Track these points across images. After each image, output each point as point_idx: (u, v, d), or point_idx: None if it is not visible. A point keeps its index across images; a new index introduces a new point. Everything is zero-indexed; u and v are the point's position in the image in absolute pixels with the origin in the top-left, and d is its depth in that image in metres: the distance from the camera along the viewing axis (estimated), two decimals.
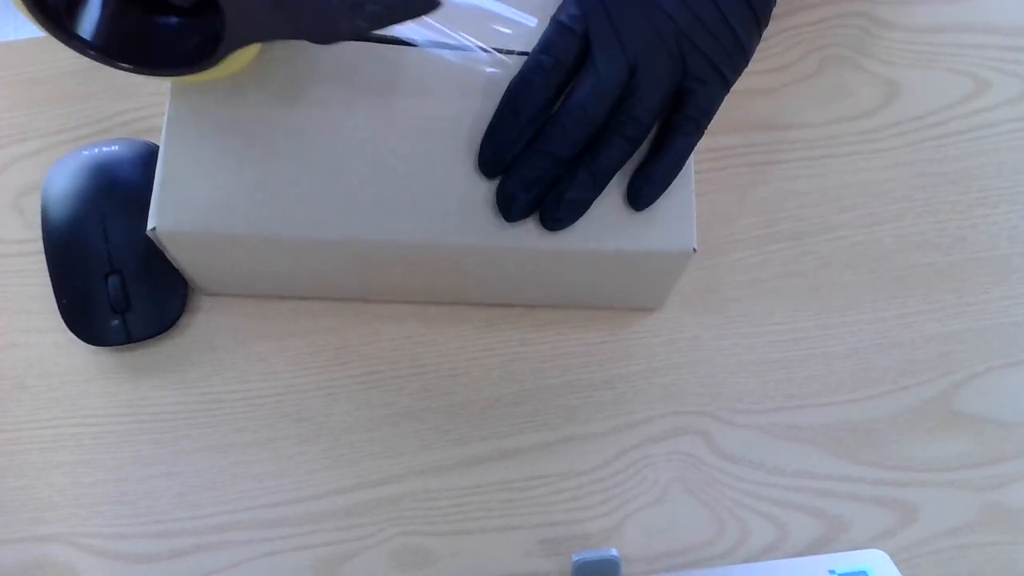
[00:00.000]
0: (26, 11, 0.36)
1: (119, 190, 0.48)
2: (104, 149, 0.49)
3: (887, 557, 0.43)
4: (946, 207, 0.51)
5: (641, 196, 0.41)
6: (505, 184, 0.41)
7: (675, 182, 0.42)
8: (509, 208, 0.41)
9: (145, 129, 0.52)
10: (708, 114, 0.41)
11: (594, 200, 0.41)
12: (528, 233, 0.41)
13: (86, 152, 0.49)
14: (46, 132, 0.52)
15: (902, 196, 0.51)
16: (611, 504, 0.46)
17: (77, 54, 0.38)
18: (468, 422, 0.47)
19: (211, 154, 0.42)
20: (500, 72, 0.42)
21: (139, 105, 0.52)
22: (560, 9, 0.41)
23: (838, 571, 0.42)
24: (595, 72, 0.39)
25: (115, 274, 0.47)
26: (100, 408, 0.47)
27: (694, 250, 0.42)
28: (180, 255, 0.44)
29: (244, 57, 0.39)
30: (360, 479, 0.46)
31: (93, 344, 0.47)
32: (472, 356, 0.48)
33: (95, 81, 0.52)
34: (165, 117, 0.42)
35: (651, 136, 0.42)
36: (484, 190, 0.41)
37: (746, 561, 0.45)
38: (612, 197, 0.42)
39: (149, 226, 0.41)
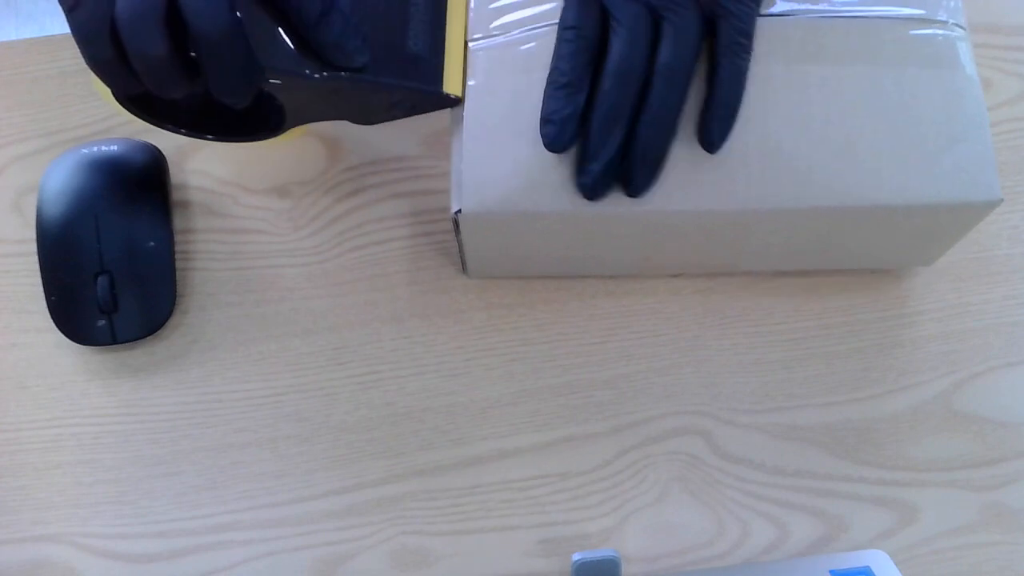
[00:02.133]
0: (126, 109, 0.42)
1: (115, 190, 0.48)
2: (104, 148, 0.49)
3: (887, 557, 0.43)
4: None
5: (710, 134, 0.41)
6: (579, 165, 0.41)
7: (970, 129, 0.42)
8: (586, 186, 0.41)
9: (145, 130, 0.51)
10: (747, 34, 0.41)
11: (666, 152, 0.41)
12: (839, 193, 0.41)
13: (85, 150, 0.49)
14: (46, 132, 0.52)
15: None
16: (611, 504, 0.46)
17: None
18: (468, 422, 0.47)
19: (507, 134, 0.42)
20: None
21: None
22: None
23: (838, 571, 0.42)
24: (620, 29, 0.40)
25: (104, 274, 0.47)
26: (100, 408, 0.47)
27: (1000, 200, 0.42)
28: (470, 237, 0.44)
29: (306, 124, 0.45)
30: (360, 479, 0.46)
31: (77, 343, 0.47)
32: (472, 356, 0.48)
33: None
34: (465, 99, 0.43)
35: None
36: (755, 154, 0.41)
37: (746, 561, 0.45)
38: (900, 150, 0.42)
39: (453, 208, 0.42)
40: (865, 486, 0.46)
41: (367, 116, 0.44)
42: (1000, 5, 0.54)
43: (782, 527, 0.46)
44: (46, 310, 0.48)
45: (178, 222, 0.50)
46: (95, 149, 0.49)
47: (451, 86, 0.42)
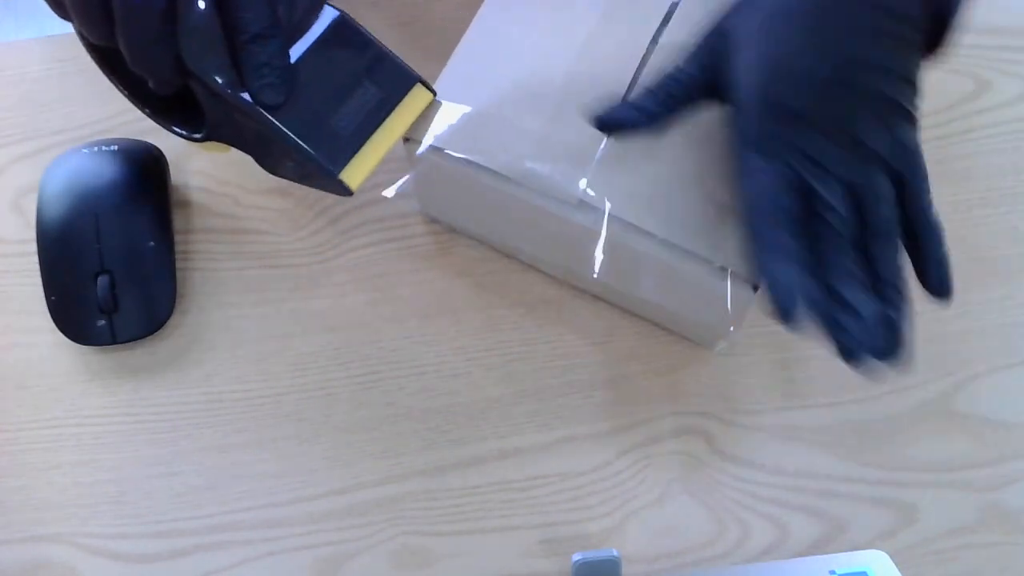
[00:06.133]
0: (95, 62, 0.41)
1: (115, 190, 0.48)
2: (104, 148, 0.49)
3: (887, 557, 0.43)
4: (946, 207, 0.50)
5: (933, 281, 0.40)
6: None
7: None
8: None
9: (145, 130, 0.51)
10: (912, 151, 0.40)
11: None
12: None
13: (85, 150, 0.49)
14: (46, 132, 0.52)
15: None
16: (611, 504, 0.46)
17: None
18: (468, 422, 0.47)
19: (494, 76, 0.43)
20: None
21: None
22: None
23: (838, 571, 0.42)
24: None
25: (104, 274, 0.47)
26: (100, 408, 0.47)
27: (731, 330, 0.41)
28: (420, 171, 0.45)
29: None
30: (360, 479, 0.46)
31: (78, 343, 0.47)
32: (472, 356, 0.48)
33: (96, 81, 0.52)
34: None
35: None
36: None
37: (746, 562, 0.45)
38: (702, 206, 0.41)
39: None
40: (865, 486, 0.46)
41: (268, 161, 0.42)
42: (1000, 5, 0.54)
43: (782, 527, 0.46)
44: (46, 310, 0.48)
45: (178, 222, 0.50)
46: (95, 149, 0.49)
47: (350, 176, 0.39)
